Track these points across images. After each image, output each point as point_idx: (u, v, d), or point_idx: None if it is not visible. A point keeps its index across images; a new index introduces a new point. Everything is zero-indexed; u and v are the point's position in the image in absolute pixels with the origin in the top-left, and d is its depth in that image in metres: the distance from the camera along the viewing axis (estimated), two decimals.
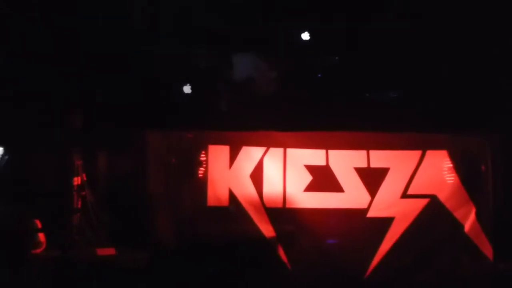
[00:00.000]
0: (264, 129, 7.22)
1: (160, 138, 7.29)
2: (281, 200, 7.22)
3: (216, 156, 7.23)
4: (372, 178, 7.23)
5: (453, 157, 7.25)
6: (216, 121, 7.34)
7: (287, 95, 7.51)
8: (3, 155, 7.47)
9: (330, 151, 7.25)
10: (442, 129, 7.24)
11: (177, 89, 7.73)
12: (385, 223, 7.20)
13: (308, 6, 7.30)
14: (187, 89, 7.78)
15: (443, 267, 7.11)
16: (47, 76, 7.19)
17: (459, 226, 7.20)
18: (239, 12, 7.31)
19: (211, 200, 7.18)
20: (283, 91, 7.55)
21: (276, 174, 7.23)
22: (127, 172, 7.40)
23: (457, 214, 7.21)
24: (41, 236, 7.18)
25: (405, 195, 7.24)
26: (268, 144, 7.25)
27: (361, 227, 7.17)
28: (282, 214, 7.19)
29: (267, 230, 7.17)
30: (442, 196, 7.23)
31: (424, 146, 7.28)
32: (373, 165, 7.26)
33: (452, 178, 7.25)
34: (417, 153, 7.28)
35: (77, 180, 7.29)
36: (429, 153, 7.28)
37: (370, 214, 7.23)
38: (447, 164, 7.27)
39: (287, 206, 7.21)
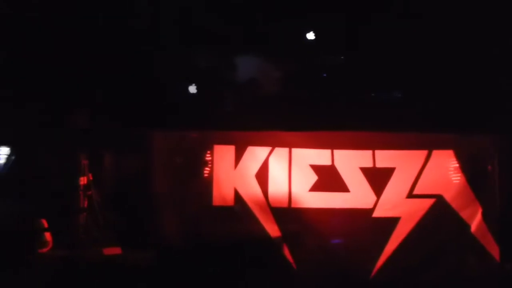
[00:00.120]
0: (269, 129, 7.23)
1: (166, 138, 7.32)
2: (287, 200, 7.22)
3: (221, 156, 7.24)
4: (377, 178, 7.21)
5: (459, 157, 7.22)
6: (221, 121, 7.36)
7: (293, 95, 7.51)
8: (10, 155, 7.53)
9: (335, 151, 7.24)
10: (448, 129, 7.21)
11: (182, 89, 7.75)
12: (391, 223, 7.17)
13: (312, 5, 7.28)
14: (192, 89, 7.79)
15: (449, 267, 7.08)
16: (53, 77, 7.22)
17: (465, 226, 7.16)
18: (244, 12, 7.30)
19: (217, 200, 7.20)
20: (289, 91, 7.54)
21: (282, 174, 7.23)
22: (133, 171, 7.43)
23: (463, 214, 7.18)
24: (48, 236, 7.23)
25: (411, 195, 7.21)
26: (274, 144, 7.25)
27: (367, 227, 7.15)
28: (288, 214, 7.19)
29: (272, 230, 7.18)
30: (448, 196, 7.20)
31: (430, 146, 7.24)
32: (379, 165, 7.24)
33: (458, 178, 7.21)
34: (423, 153, 7.25)
35: (83, 180, 7.33)
36: (435, 153, 7.24)
37: (376, 214, 7.21)
38: (453, 164, 7.23)
39: (293, 206, 7.22)
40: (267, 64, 7.55)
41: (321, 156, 7.25)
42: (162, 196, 7.22)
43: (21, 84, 7.13)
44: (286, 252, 7.15)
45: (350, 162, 7.23)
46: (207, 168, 7.24)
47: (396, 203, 7.20)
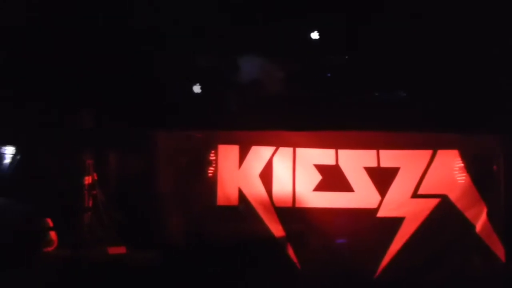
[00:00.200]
0: (273, 129, 7.23)
1: (170, 138, 7.34)
2: (291, 200, 7.22)
3: (225, 155, 7.25)
4: (382, 178, 7.20)
5: (464, 157, 7.20)
6: (225, 121, 7.35)
7: (297, 95, 7.49)
8: (15, 154, 7.57)
9: (339, 151, 7.23)
10: (453, 129, 7.18)
11: (187, 90, 7.76)
12: (395, 223, 7.16)
13: (315, 5, 7.27)
14: (196, 89, 7.80)
15: (454, 267, 7.06)
16: (58, 77, 7.25)
17: (470, 226, 7.14)
18: (248, 12, 7.30)
19: (221, 200, 7.21)
20: (293, 91, 7.53)
21: (286, 173, 7.24)
22: (137, 171, 7.45)
23: (468, 214, 7.16)
24: (53, 235, 7.27)
25: (415, 195, 7.20)
26: (278, 143, 7.26)
27: (371, 227, 7.14)
28: (292, 214, 7.19)
29: (276, 229, 7.18)
30: (453, 196, 7.18)
31: (435, 145, 7.23)
32: (383, 164, 7.23)
33: (463, 178, 7.19)
34: (427, 153, 7.24)
35: (88, 180, 7.36)
36: (440, 153, 7.23)
37: (380, 214, 7.20)
38: (458, 163, 7.21)
39: (297, 205, 7.21)
40: (271, 64, 7.54)
41: (325, 156, 7.24)
42: (166, 196, 7.24)
43: (25, 85, 7.16)
44: (290, 251, 7.15)
45: (354, 162, 7.22)
46: (211, 168, 7.25)
47: (401, 203, 7.19)
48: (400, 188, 7.20)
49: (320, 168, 7.23)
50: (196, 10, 7.37)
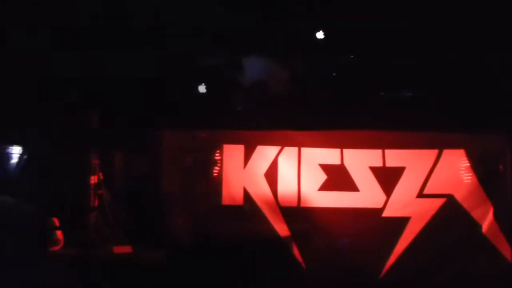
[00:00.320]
0: (278, 128, 7.23)
1: (176, 138, 7.36)
2: (296, 199, 7.21)
3: (230, 155, 7.26)
4: (387, 178, 7.18)
5: (470, 156, 7.16)
6: (230, 120, 7.36)
7: (302, 94, 7.48)
8: (22, 154, 7.62)
9: (345, 150, 7.22)
10: (459, 128, 7.14)
11: (192, 89, 7.77)
12: (401, 223, 7.14)
13: (322, 4, 7.26)
14: (202, 89, 7.81)
15: (460, 267, 7.03)
16: (64, 76, 7.28)
17: (477, 226, 7.10)
18: (253, 11, 7.29)
19: (226, 199, 7.22)
20: (298, 90, 7.51)
21: (291, 173, 7.23)
22: (143, 171, 7.46)
23: (475, 214, 7.12)
24: (59, 234, 7.30)
25: (421, 195, 7.17)
26: (283, 143, 7.25)
27: (377, 227, 7.12)
28: (297, 213, 7.19)
29: (281, 229, 7.18)
30: (459, 196, 7.14)
31: (440, 145, 7.20)
32: (389, 164, 7.21)
33: (470, 177, 7.15)
34: (433, 152, 7.21)
35: (94, 179, 7.38)
36: (446, 152, 7.20)
37: (386, 213, 7.17)
38: (464, 163, 7.17)
39: (302, 205, 7.20)
40: (276, 64, 7.53)
41: (331, 155, 7.23)
42: (171, 195, 7.26)
43: (31, 85, 7.20)
44: (296, 251, 7.15)
45: (359, 161, 7.20)
46: (216, 168, 7.26)
47: (406, 203, 7.16)
48: (405, 187, 7.17)
49: (325, 167, 7.21)
50: (201, 9, 7.38)
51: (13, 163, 7.66)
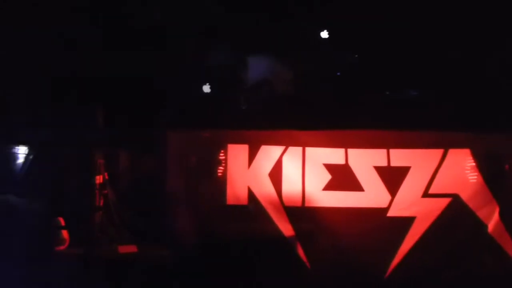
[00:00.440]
0: (283, 128, 7.22)
1: (180, 138, 7.36)
2: (300, 199, 7.19)
3: (235, 155, 7.25)
4: (392, 177, 7.13)
5: (476, 156, 7.10)
6: (235, 120, 7.38)
7: (306, 94, 7.48)
8: (28, 154, 7.67)
9: (349, 150, 7.19)
10: (464, 128, 7.10)
11: (196, 89, 7.79)
12: (406, 222, 7.09)
13: (326, 4, 7.26)
14: (206, 88, 7.83)
15: (465, 267, 6.98)
16: (69, 76, 7.33)
17: (482, 225, 7.05)
18: (257, 11, 7.30)
19: (230, 199, 7.21)
20: (302, 90, 7.52)
21: (295, 173, 7.21)
22: (148, 171, 7.51)
23: (480, 214, 7.06)
24: (65, 233, 7.36)
25: (426, 194, 7.12)
26: (287, 143, 7.23)
27: (381, 227, 7.08)
28: (301, 213, 7.16)
29: (286, 229, 7.16)
30: (464, 195, 7.09)
31: (446, 144, 7.14)
32: (394, 163, 7.16)
33: (475, 177, 7.10)
34: (439, 152, 7.16)
35: (99, 179, 7.43)
36: (451, 152, 7.14)
37: (391, 213, 7.13)
38: (470, 162, 7.12)
39: (306, 205, 7.18)
40: (280, 64, 7.54)
41: (335, 155, 7.20)
42: (176, 195, 7.27)
43: (37, 84, 7.26)
44: (300, 251, 7.13)
45: (364, 161, 7.17)
46: (221, 167, 7.26)
47: (412, 203, 7.12)
48: (410, 187, 7.13)
49: (330, 167, 7.19)
50: (206, 9, 7.40)
51: (19, 163, 7.72)
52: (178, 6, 7.32)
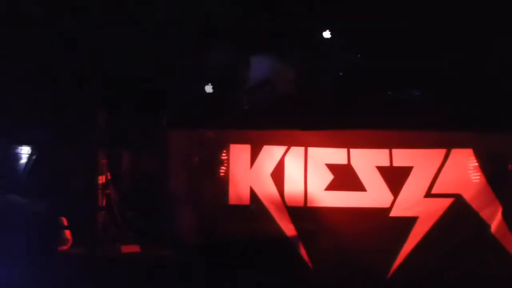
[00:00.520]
0: (285, 128, 7.21)
1: (183, 137, 7.35)
2: (303, 199, 7.18)
3: (237, 155, 7.24)
4: (395, 177, 7.11)
5: (478, 156, 7.07)
6: (237, 120, 7.37)
7: (308, 94, 7.48)
8: (31, 154, 7.70)
9: (351, 150, 7.17)
10: (467, 128, 7.08)
11: (199, 89, 7.80)
12: (409, 222, 7.07)
13: (329, 4, 7.25)
14: (208, 88, 7.84)
15: (468, 267, 6.96)
16: (72, 76, 7.35)
17: (485, 226, 7.02)
18: (260, 11, 7.30)
19: (233, 199, 7.20)
20: (304, 90, 7.51)
21: (297, 173, 7.21)
22: (150, 171, 7.52)
23: (483, 214, 7.03)
24: (68, 233, 7.39)
25: (429, 194, 7.10)
26: (289, 143, 7.22)
27: (384, 227, 7.06)
28: (304, 213, 7.15)
29: (288, 229, 7.15)
30: (467, 195, 7.06)
31: (448, 144, 7.12)
32: (396, 163, 7.14)
33: (478, 177, 7.07)
34: (441, 152, 7.13)
35: (101, 179, 7.46)
36: (454, 152, 7.11)
37: (393, 213, 7.11)
38: (473, 162, 7.09)
39: (309, 205, 7.17)
40: (282, 64, 7.54)
41: (337, 155, 7.18)
42: (178, 195, 7.27)
43: (39, 85, 7.28)
44: (302, 251, 7.11)
45: (366, 161, 7.15)
46: (223, 167, 7.25)
47: (414, 203, 7.09)
48: (413, 187, 7.11)
49: (332, 167, 7.18)
50: (209, 8, 7.41)
51: (21, 163, 7.76)
52: (180, 5, 7.33)
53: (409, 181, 7.12)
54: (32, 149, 7.68)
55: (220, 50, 7.52)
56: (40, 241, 7.06)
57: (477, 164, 7.08)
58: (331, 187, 7.16)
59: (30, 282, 6.64)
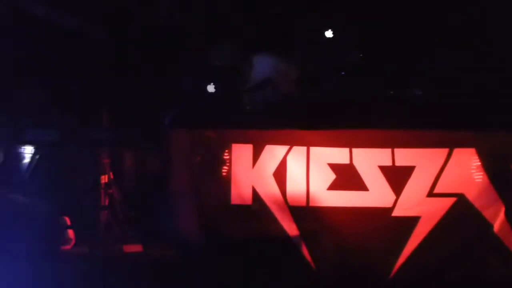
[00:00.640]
0: (287, 128, 7.19)
1: (185, 137, 7.35)
2: (305, 199, 7.16)
3: (239, 154, 7.23)
4: (397, 177, 7.08)
5: (481, 155, 7.03)
6: (239, 120, 7.36)
7: (311, 94, 7.47)
8: (33, 154, 7.73)
9: (354, 149, 7.14)
10: (470, 127, 7.06)
11: (200, 89, 7.80)
12: (411, 222, 7.04)
13: (331, 3, 7.24)
14: (210, 88, 7.84)
15: (471, 267, 6.94)
16: (74, 76, 7.37)
17: (488, 225, 6.99)
18: (261, 10, 7.31)
19: (235, 199, 7.19)
20: (306, 89, 7.50)
21: (300, 172, 7.19)
22: (153, 170, 7.54)
23: (486, 213, 7.00)
24: (70, 233, 7.41)
25: (431, 194, 7.07)
26: (291, 142, 7.20)
27: (386, 226, 7.04)
28: (306, 213, 7.14)
29: (290, 228, 7.14)
30: (470, 195, 7.03)
31: (451, 144, 7.08)
32: (398, 163, 7.12)
33: (481, 176, 7.03)
34: (444, 151, 7.09)
35: (104, 178, 7.48)
36: (457, 151, 7.07)
37: (395, 213, 7.09)
38: (475, 162, 7.06)
39: (311, 204, 7.14)
40: (284, 63, 7.53)
41: (340, 155, 7.16)
42: (181, 195, 7.28)
43: (40, 85, 7.31)
44: (305, 251, 7.10)
45: (368, 160, 7.12)
46: (225, 167, 7.25)
47: (416, 202, 7.06)
48: (415, 187, 7.08)
49: (334, 167, 7.15)
50: (211, 8, 7.41)
51: (24, 163, 7.78)
52: (182, 5, 7.33)
53: (411, 181, 7.09)
54: (35, 149, 7.71)
55: (222, 50, 7.51)
56: (42, 241, 7.08)
57: (479, 163, 7.04)
58: (333, 186, 7.13)
59: (32, 281, 6.66)
